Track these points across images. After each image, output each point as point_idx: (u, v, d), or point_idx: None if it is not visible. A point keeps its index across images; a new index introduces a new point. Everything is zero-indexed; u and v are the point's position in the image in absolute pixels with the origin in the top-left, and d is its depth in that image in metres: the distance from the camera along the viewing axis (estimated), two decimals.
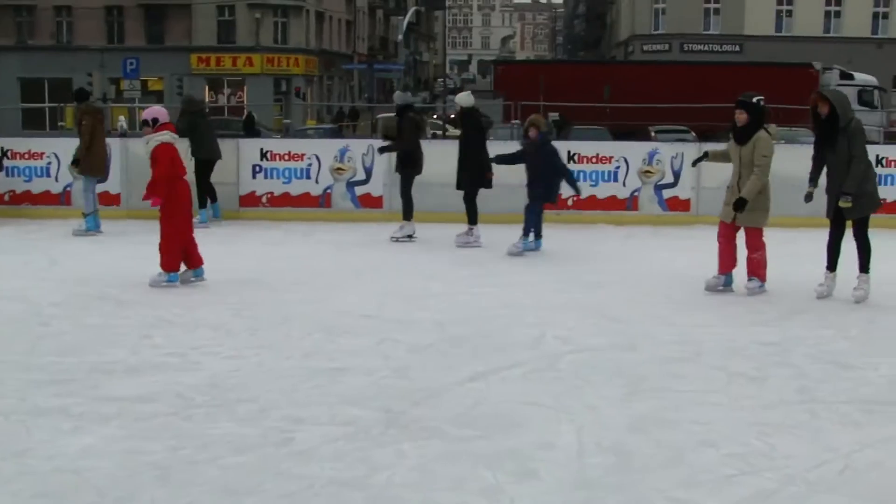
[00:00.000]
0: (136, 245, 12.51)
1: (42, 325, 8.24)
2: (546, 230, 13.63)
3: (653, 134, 28.34)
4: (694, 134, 28.22)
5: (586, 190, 14.39)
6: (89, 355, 7.23)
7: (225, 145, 15.01)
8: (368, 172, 14.79)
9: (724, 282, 9.47)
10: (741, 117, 9.13)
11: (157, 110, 9.95)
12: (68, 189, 15.00)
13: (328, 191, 14.85)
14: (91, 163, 13.37)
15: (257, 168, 14.94)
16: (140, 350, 7.38)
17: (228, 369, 6.88)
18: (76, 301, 9.14)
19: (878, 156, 13.51)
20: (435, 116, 45.71)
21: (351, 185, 14.83)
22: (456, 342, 7.67)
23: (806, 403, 6.13)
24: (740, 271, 9.45)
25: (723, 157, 9.64)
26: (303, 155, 14.86)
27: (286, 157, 14.87)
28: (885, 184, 13.98)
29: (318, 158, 14.82)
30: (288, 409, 6.00)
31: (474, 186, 12.49)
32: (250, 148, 15.08)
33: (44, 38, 54.63)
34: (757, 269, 9.39)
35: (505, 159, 12.16)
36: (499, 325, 8.21)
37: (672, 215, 14.23)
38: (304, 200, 14.84)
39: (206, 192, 14.15)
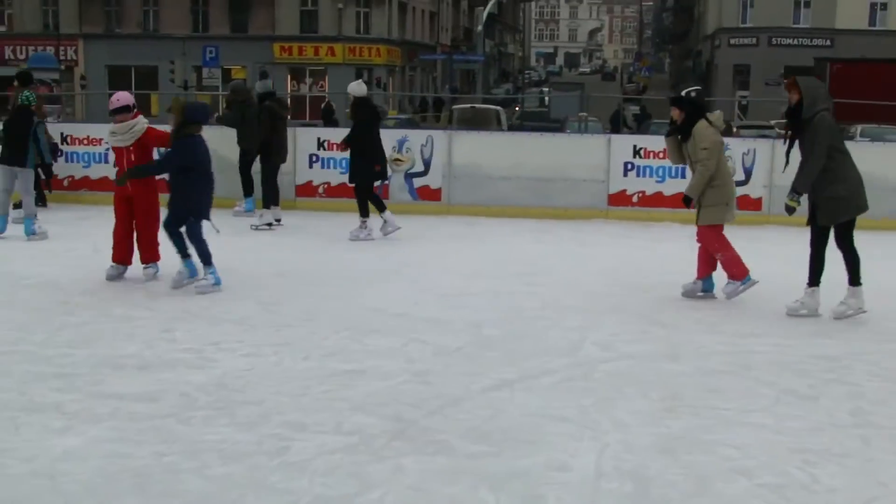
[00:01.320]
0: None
1: (66, 314, 7.99)
2: (607, 226, 13.16)
3: (734, 129, 27.22)
4: (778, 131, 26.65)
5: (652, 186, 13.83)
6: (103, 348, 6.94)
7: None
8: (427, 164, 14.37)
9: (701, 287, 8.88)
10: (675, 114, 8.67)
11: (130, 96, 9.44)
12: None
13: (385, 182, 14.43)
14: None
15: (314, 158, 14.63)
16: (156, 344, 7.06)
17: (242, 368, 6.53)
18: (108, 291, 8.90)
19: None
20: (517, 108, 45.22)
21: (409, 176, 14.43)
22: (487, 345, 7.21)
23: (860, 428, 5.54)
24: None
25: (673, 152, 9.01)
26: None
27: (344, 147, 14.49)
28: None
29: None
30: (292, 413, 5.61)
31: (366, 179, 12.10)
32: (307, 137, 14.75)
33: (131, 26, 55.35)
34: (729, 269, 8.72)
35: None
36: (537, 328, 7.73)
37: (742, 215, 13.48)
38: None
39: (248, 184, 13.99)
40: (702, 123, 8.53)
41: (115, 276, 9.29)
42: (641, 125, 34.81)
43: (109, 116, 9.40)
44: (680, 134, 8.68)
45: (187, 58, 50.84)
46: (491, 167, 14.22)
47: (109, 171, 14.86)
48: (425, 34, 65.56)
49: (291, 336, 7.37)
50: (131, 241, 9.39)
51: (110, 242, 9.34)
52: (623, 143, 14.16)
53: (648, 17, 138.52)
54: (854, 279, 8.07)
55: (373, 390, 6.07)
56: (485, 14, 44.91)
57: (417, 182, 14.46)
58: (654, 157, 13.80)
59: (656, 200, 13.79)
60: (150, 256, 9.39)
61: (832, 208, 7.93)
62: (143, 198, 9.29)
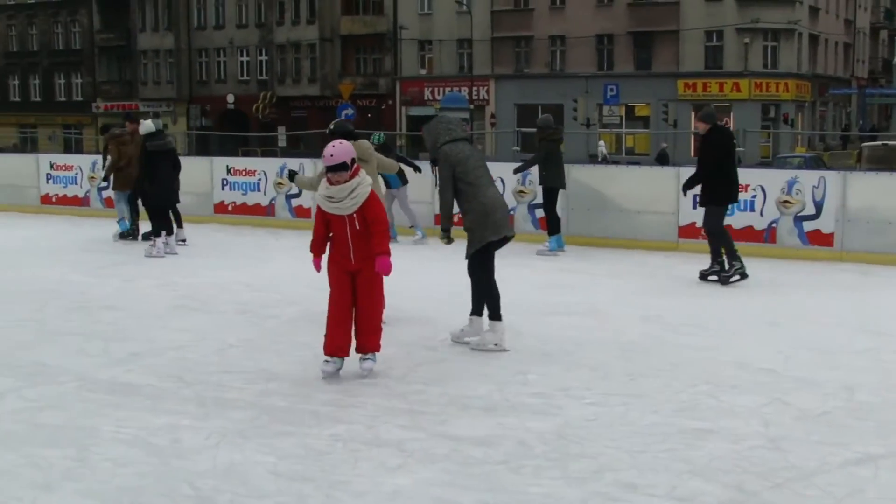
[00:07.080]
0: (550, 273, 12.40)
1: (428, 349, 8.22)
2: None
3: None
4: None
5: None
6: (455, 387, 7.05)
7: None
8: (819, 206, 13.44)
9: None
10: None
11: (351, 149, 7.14)
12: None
13: (773, 225, 13.72)
14: (119, 179, 15.66)
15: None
16: (507, 387, 7.07)
17: (586, 417, 6.36)
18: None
19: None
20: None
21: (798, 219, 13.58)
22: (859, 413, 6.51)
23: None
24: None
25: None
26: (746, 186, 13.85)
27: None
28: None
29: (763, 190, 13.76)
30: (626, 471, 5.36)
31: (162, 202, 14.16)
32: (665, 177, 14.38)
33: (539, 66, 57.32)
34: None
35: None
36: None
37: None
38: (747, 234, 13.78)
39: (554, 221, 14.02)
40: None
41: (333, 373, 7.28)
42: None
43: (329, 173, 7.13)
44: None
45: (590, 95, 51.81)
46: (892, 210, 13.06)
47: None
48: (838, 67, 62.23)
49: (645, 387, 7.09)
50: (349, 327, 7.32)
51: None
52: None
53: None
54: (492, 313, 8.20)
55: (718, 453, 5.66)
56: None
57: (808, 226, 13.55)
58: None
59: None
60: (371, 345, 7.40)
61: (468, 240, 8.21)
62: (371, 272, 7.21)
